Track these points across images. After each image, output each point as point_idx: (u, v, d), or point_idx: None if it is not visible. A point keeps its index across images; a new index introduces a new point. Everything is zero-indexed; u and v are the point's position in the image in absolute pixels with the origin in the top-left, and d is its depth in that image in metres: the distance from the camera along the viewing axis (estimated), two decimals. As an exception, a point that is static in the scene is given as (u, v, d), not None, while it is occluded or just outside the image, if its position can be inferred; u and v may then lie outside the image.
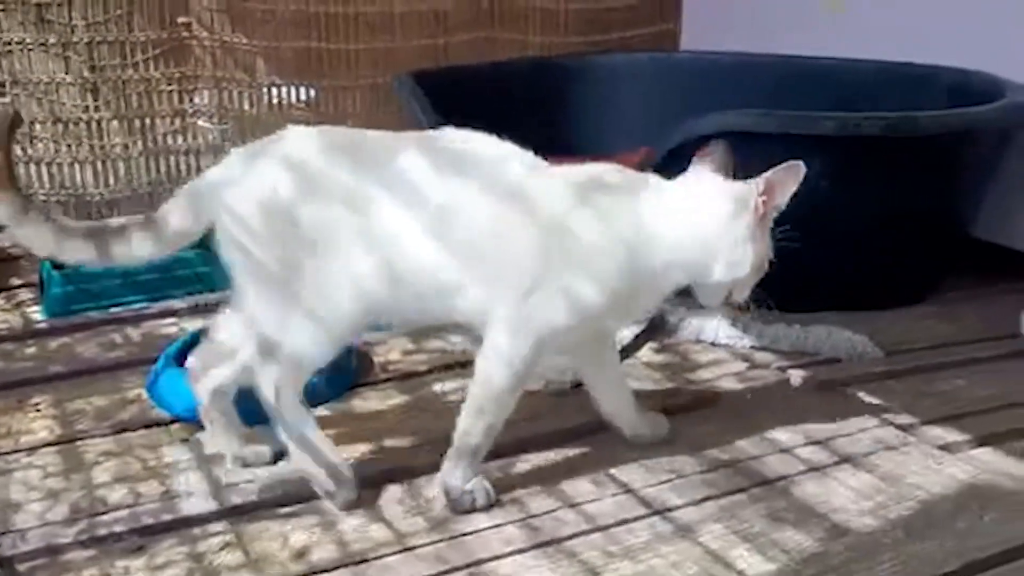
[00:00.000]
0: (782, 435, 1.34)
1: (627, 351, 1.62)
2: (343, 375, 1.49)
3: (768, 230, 1.19)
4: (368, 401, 1.45)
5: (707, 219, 1.17)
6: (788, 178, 1.17)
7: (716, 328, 1.67)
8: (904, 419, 1.39)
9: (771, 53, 2.55)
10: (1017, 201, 2.10)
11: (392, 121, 2.51)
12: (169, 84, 2.43)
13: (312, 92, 2.77)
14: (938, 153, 1.81)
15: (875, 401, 1.45)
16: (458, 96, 2.56)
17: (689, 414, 1.41)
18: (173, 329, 1.72)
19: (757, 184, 1.17)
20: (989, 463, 1.28)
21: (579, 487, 1.21)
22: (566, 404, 1.41)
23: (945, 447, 1.32)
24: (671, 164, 1.84)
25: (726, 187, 1.20)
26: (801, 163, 1.17)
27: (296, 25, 2.63)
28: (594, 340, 1.27)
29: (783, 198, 1.18)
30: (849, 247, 1.78)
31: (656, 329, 1.71)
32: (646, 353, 1.62)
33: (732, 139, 1.77)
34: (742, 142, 1.79)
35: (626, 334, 1.64)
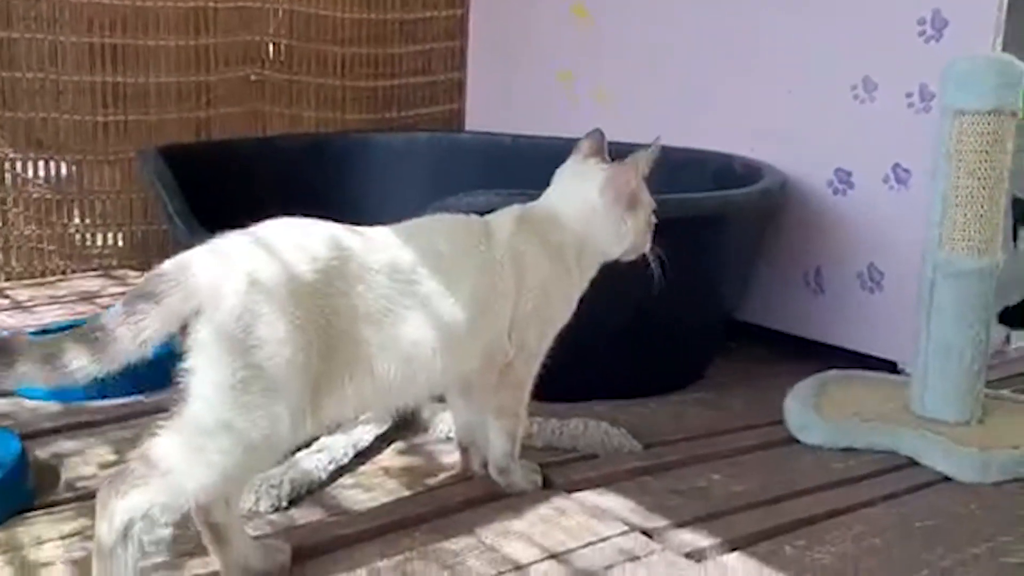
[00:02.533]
0: (519, 550, 1.19)
1: (368, 453, 1.46)
2: (13, 493, 1.24)
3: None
4: (34, 526, 1.21)
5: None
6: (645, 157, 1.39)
7: (468, 425, 1.53)
8: (654, 522, 1.28)
9: (547, 136, 2.52)
10: (779, 283, 2.11)
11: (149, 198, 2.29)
12: None
13: (59, 167, 2.52)
14: (701, 235, 1.76)
15: (626, 503, 1.33)
16: (217, 173, 2.38)
17: (421, 525, 1.24)
18: None
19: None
20: (734, 571, 1.18)
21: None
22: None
23: (692, 554, 1.21)
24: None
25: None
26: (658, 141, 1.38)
27: (34, 94, 2.38)
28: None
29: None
30: (614, 332, 1.70)
31: (405, 426, 1.56)
32: (389, 455, 1.46)
33: None
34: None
35: (366, 434, 1.48)
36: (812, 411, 1.64)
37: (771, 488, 1.41)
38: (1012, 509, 1.39)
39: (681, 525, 1.27)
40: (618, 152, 2.35)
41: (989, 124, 1.58)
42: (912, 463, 1.54)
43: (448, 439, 1.51)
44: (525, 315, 1.28)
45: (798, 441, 1.60)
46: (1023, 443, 1.54)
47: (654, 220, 1.43)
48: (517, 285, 1.27)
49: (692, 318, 1.85)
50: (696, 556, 1.20)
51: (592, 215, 1.35)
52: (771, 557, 1.21)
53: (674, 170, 2.22)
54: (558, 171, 1.43)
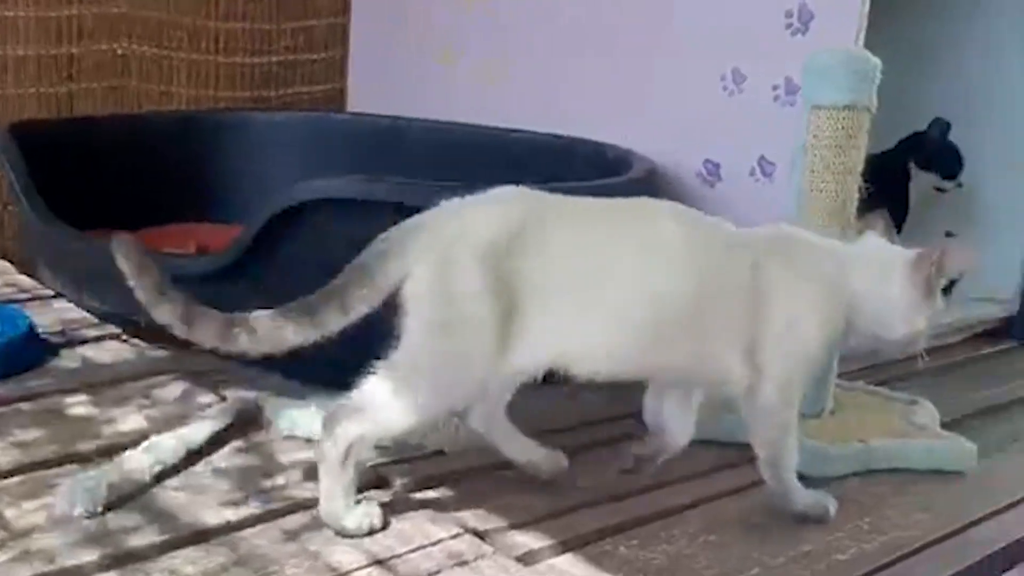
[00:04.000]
0: (343, 556, 1.14)
1: (202, 452, 1.40)
2: None
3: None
4: None
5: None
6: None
7: (311, 421, 1.47)
8: (492, 523, 1.25)
9: (430, 119, 2.47)
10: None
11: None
12: None
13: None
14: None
15: (467, 502, 1.30)
16: (80, 151, 2.27)
17: (245, 530, 1.19)
18: None
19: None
20: (563, 574, 1.16)
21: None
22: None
23: (524, 557, 1.18)
24: (276, 230, 1.68)
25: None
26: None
27: None
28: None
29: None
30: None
31: (244, 422, 1.50)
32: (226, 453, 1.40)
33: (341, 207, 1.63)
34: (352, 210, 1.64)
35: (199, 433, 1.42)
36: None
37: (618, 483, 1.40)
38: (851, 504, 1.40)
39: (520, 526, 1.25)
40: (500, 138, 2.35)
41: (844, 119, 1.59)
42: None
43: (291, 437, 1.46)
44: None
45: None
46: (871, 436, 1.56)
47: None
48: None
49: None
50: (527, 559, 1.18)
51: None
52: (604, 558, 1.20)
53: (546, 157, 2.21)
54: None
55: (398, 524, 1.23)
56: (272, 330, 1.18)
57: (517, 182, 1.82)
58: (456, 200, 1.23)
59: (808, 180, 1.62)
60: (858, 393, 1.77)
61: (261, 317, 1.19)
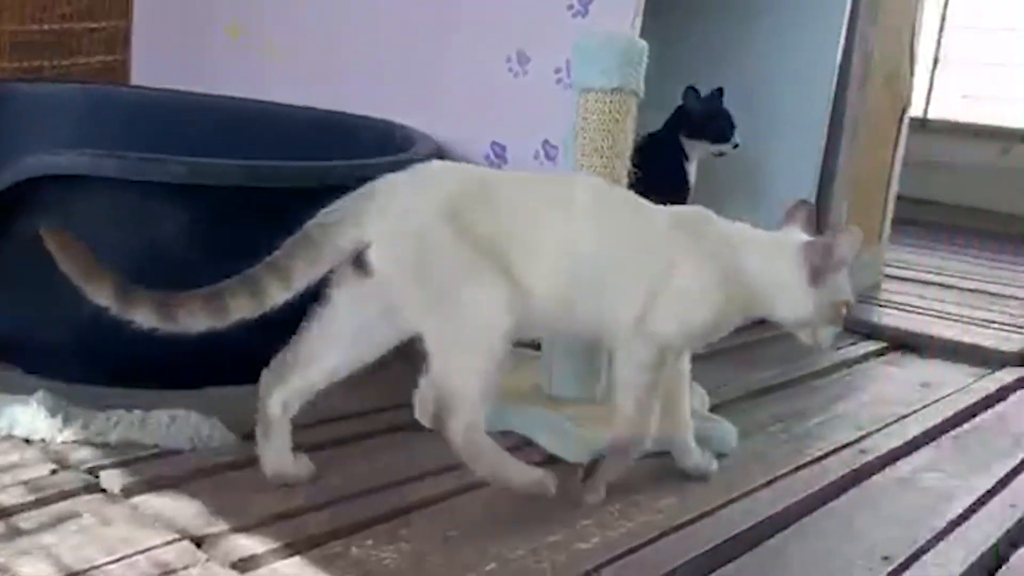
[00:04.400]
0: (34, 569, 1.03)
1: None
2: None
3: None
4: None
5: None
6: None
7: (32, 420, 1.34)
8: (216, 527, 1.15)
9: (216, 95, 2.33)
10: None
11: None
12: None
13: None
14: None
15: (192, 506, 1.20)
16: None
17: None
18: None
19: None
20: (283, 579, 1.09)
21: None
22: None
23: (243, 563, 1.10)
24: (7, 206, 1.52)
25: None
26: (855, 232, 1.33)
27: None
28: None
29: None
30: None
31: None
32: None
33: (70, 184, 1.50)
34: (82, 186, 1.52)
35: None
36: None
37: (363, 479, 1.33)
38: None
39: (244, 529, 1.16)
40: (286, 115, 2.23)
41: (611, 102, 1.57)
42: (529, 443, 1.51)
43: (9, 437, 1.33)
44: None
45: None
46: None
47: None
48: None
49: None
50: (247, 565, 1.09)
51: None
52: (333, 560, 1.13)
53: (331, 135, 2.12)
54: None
55: (110, 532, 1.12)
56: (210, 306, 1.18)
57: (302, 158, 1.75)
58: (392, 175, 1.26)
59: (578, 163, 1.60)
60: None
61: (198, 294, 1.18)
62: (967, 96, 4.72)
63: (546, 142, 1.90)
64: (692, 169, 2.36)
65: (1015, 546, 1.35)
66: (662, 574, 1.17)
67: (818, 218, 2.62)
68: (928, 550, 1.30)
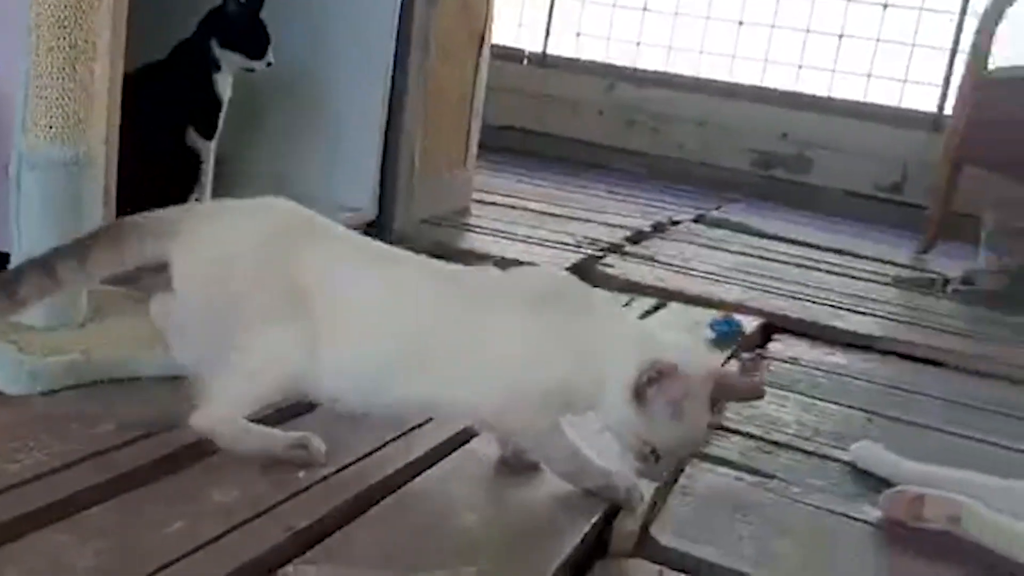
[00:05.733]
0: None
1: None
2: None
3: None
4: None
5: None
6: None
7: None
8: None
9: None
10: None
11: None
12: None
13: None
14: None
15: None
16: None
17: None
18: None
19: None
20: None
21: None
22: None
23: None
24: None
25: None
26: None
27: None
28: None
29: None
30: None
31: None
32: None
33: None
34: None
35: None
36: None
37: None
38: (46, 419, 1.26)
39: None
40: None
41: (67, -4, 1.41)
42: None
43: None
44: None
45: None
46: (95, 346, 1.44)
47: None
48: None
49: None
50: None
51: None
52: None
53: None
54: None
55: None
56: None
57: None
58: (232, 202, 1.31)
59: (33, 64, 1.43)
60: (122, 298, 1.64)
61: None
62: (581, 34, 4.99)
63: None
64: (226, 82, 2.11)
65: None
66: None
67: (389, 139, 2.63)
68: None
